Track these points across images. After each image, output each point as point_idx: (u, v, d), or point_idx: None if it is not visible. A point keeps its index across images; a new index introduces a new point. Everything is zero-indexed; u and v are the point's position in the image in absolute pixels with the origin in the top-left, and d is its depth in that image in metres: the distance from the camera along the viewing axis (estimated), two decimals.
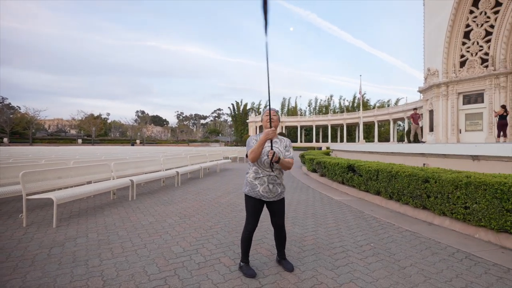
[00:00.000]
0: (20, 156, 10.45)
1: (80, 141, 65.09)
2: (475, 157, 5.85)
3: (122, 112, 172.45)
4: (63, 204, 5.63)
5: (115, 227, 4.18)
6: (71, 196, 4.43)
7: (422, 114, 21.56)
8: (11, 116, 62.75)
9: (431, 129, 22.75)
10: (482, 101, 19.30)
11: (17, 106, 71.73)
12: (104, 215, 4.87)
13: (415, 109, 15.55)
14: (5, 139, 56.29)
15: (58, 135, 73.77)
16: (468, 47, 19.80)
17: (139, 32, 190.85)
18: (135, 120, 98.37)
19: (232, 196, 6.68)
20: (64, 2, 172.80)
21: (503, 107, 13.61)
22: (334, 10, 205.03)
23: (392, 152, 8.57)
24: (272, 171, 2.65)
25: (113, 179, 6.47)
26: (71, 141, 65.81)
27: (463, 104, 20.45)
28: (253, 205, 2.71)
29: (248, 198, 2.75)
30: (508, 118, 13.70)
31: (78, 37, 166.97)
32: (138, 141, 73.27)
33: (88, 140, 67.97)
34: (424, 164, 7.07)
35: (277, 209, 2.77)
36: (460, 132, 20.51)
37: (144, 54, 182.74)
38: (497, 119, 13.63)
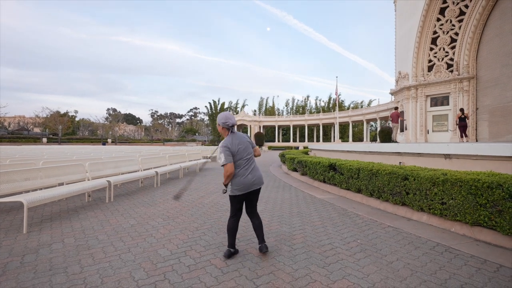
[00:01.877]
0: None
1: (45, 140, 60.88)
2: (447, 156, 6.22)
3: (92, 110, 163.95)
4: (33, 208, 5.22)
5: (94, 231, 3.94)
6: (44, 198, 4.10)
7: (403, 111, 22.25)
8: None
9: (402, 130, 23.92)
10: (448, 104, 20.67)
11: None
12: (80, 219, 4.57)
13: (396, 108, 15.98)
14: None
15: (20, 134, 68.44)
16: (436, 53, 21.10)
17: (113, 27, 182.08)
18: (106, 118, 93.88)
19: (215, 196, 6.57)
20: None
21: (461, 110, 14.72)
22: (309, 13, 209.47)
23: (370, 151, 8.89)
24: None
25: (88, 180, 6.10)
26: (34, 140, 61.32)
27: (431, 106, 21.78)
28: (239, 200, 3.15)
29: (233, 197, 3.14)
30: (467, 120, 14.79)
31: (45, 30, 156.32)
32: (109, 140, 70.04)
33: (54, 139, 63.77)
34: (400, 162, 7.41)
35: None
36: (428, 133, 21.81)
37: (118, 50, 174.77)
38: (458, 121, 14.66)
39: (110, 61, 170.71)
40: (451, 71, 20.13)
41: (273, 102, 66.80)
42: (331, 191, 7.28)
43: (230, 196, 3.07)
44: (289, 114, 63.92)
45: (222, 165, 2.90)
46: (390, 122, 15.28)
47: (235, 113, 60.87)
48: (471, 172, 4.17)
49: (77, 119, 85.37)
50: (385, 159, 8.01)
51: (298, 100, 67.18)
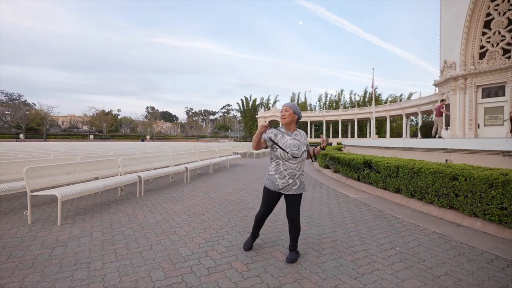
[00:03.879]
0: (31, 151, 10.48)
1: (91, 136, 66.21)
2: (506, 153, 5.39)
3: (132, 108, 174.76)
4: (70, 200, 5.50)
5: (121, 226, 3.99)
6: (76, 192, 4.25)
7: (449, 104, 20.09)
8: (26, 112, 64.26)
9: (447, 124, 21.87)
10: (503, 94, 18.37)
11: (32, 103, 73.34)
12: (110, 213, 4.69)
13: (441, 100, 14.36)
14: (21, 135, 57.77)
15: (71, 131, 75.27)
16: (489, 37, 18.83)
17: (151, 29, 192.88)
18: (145, 116, 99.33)
19: (243, 193, 6.43)
20: (79, 1, 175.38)
21: None
22: (343, 4, 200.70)
23: (410, 148, 8.12)
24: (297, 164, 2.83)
25: (121, 175, 6.31)
26: (83, 137, 67.02)
27: (482, 97, 19.54)
28: (269, 197, 2.88)
29: (266, 190, 2.90)
30: None
31: (92, 35, 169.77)
32: (148, 136, 74.04)
33: (99, 136, 69.11)
34: (446, 160, 6.63)
35: (294, 202, 2.85)
36: (479, 127, 19.65)
37: (155, 51, 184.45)
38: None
39: (148, 62, 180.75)
40: (508, 58, 17.83)
41: (305, 97, 65.39)
42: (366, 190, 6.76)
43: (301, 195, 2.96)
44: (321, 109, 62.12)
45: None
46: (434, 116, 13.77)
47: (266, 109, 60.66)
48: None
49: (119, 117, 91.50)
50: (428, 156, 7.24)
51: (331, 95, 64.79)
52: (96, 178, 6.11)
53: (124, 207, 5.10)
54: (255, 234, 3.20)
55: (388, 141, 11.15)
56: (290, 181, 2.75)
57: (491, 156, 5.66)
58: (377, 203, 5.57)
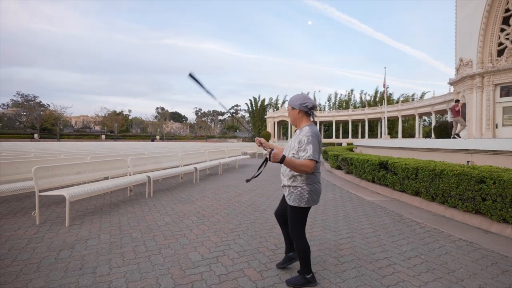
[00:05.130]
0: (43, 151, 10.59)
1: (103, 137, 67.36)
2: None
3: (143, 109, 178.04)
4: (79, 200, 5.44)
5: (129, 228, 3.87)
6: (85, 193, 4.16)
7: (465, 103, 19.27)
8: (41, 113, 65.91)
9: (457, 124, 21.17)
10: None
11: (47, 104, 75.20)
12: (119, 214, 4.59)
13: (457, 100, 13.63)
14: (36, 135, 59.25)
15: (84, 131, 76.86)
16: (508, 34, 18.13)
17: (160, 31, 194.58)
18: (155, 117, 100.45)
19: (253, 195, 6.26)
20: (90, 3, 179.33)
21: None
22: (352, 3, 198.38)
23: (427, 148, 7.78)
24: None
25: (130, 175, 6.23)
26: (95, 137, 68.27)
27: (501, 96, 18.82)
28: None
29: None
30: None
31: (104, 38, 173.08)
32: (158, 137, 74.83)
33: (111, 136, 70.27)
34: (468, 161, 6.28)
35: (287, 210, 2.45)
36: (497, 127, 18.93)
37: (165, 52, 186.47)
38: None
39: (159, 63, 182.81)
40: None
41: (314, 97, 64.70)
42: (381, 192, 6.48)
43: (301, 208, 2.31)
44: (331, 109, 61.43)
45: (309, 159, 2.12)
46: (451, 116, 13.11)
47: (275, 109, 60.39)
48: None
49: (130, 117, 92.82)
50: (448, 157, 6.89)
51: (341, 95, 63.89)
52: (106, 178, 6.05)
53: (133, 208, 5.01)
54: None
55: (403, 142, 10.78)
56: (282, 183, 2.44)
57: None
58: (394, 206, 5.30)
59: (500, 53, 18.54)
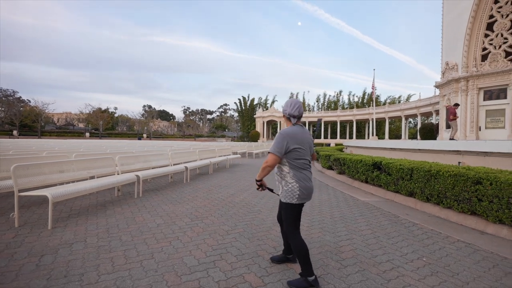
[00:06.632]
0: (23, 148, 10.05)
1: (87, 134, 65.35)
2: None
3: (129, 106, 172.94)
4: (63, 201, 5.13)
5: (118, 230, 3.64)
6: (69, 193, 3.90)
7: (449, 106, 19.60)
8: (21, 109, 63.23)
9: (448, 126, 21.76)
10: (505, 97, 18.26)
11: (27, 99, 72.23)
12: (106, 215, 4.34)
13: (456, 104, 13.52)
14: (15, 132, 56.79)
15: (67, 129, 74.25)
16: (491, 39, 18.71)
17: (148, 28, 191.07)
18: (142, 115, 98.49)
19: (247, 195, 6.10)
20: None
21: None
22: (341, 6, 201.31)
23: (419, 149, 7.86)
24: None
25: (118, 174, 5.96)
26: (79, 134, 66.12)
27: (484, 100, 19.42)
28: None
29: None
30: None
31: (90, 33, 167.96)
32: (145, 135, 73.34)
33: (95, 133, 68.27)
34: (459, 162, 6.37)
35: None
36: (480, 130, 19.54)
37: (153, 49, 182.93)
38: None
39: (146, 60, 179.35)
40: (511, 60, 17.72)
41: (303, 97, 65.14)
42: (375, 193, 6.47)
43: (289, 204, 2.37)
44: (320, 109, 61.95)
45: (269, 152, 2.33)
46: (449, 118, 12.91)
47: (264, 109, 60.34)
48: None
49: (116, 115, 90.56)
50: (439, 158, 6.97)
51: (329, 96, 64.44)
52: (92, 177, 5.75)
53: (121, 208, 4.75)
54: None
55: (394, 142, 10.90)
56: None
57: (508, 159, 5.40)
58: (389, 207, 5.28)
59: (484, 58, 19.13)
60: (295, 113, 2.45)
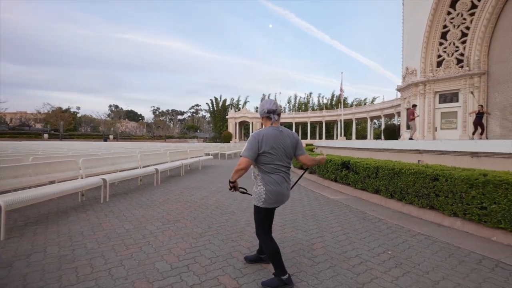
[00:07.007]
0: None
1: (46, 136, 60.55)
2: (474, 154, 5.67)
3: (94, 106, 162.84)
4: (19, 209, 4.70)
5: (83, 238, 3.43)
6: (25, 200, 3.58)
7: (409, 108, 21.03)
8: None
9: (408, 127, 23.31)
10: (457, 101, 20.00)
11: None
12: (69, 222, 4.06)
13: (414, 105, 14.65)
14: None
15: (21, 129, 68.14)
16: (445, 48, 20.38)
17: (116, 24, 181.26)
18: (108, 115, 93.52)
19: (220, 196, 6.05)
20: None
21: (481, 106, 14.04)
22: (310, 11, 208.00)
23: (384, 149, 8.34)
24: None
25: (82, 178, 5.60)
26: (36, 135, 61.00)
27: (439, 102, 21.10)
28: None
29: None
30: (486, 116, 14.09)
31: (49, 27, 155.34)
32: (111, 136, 69.67)
33: (55, 135, 63.49)
34: (418, 161, 6.85)
35: None
36: (436, 130, 21.19)
37: (121, 47, 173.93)
38: (474, 117, 13.95)
39: (113, 58, 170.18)
40: (461, 67, 19.45)
41: (275, 99, 66.08)
42: (344, 191, 6.75)
43: (257, 207, 2.42)
44: (291, 111, 63.23)
45: (240, 156, 2.33)
46: (408, 120, 13.90)
47: (237, 110, 60.25)
48: None
49: (79, 115, 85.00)
50: (402, 157, 7.45)
51: (300, 97, 66.35)
52: (52, 182, 5.34)
53: (86, 214, 4.48)
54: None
55: (361, 143, 11.44)
56: None
57: (461, 157, 5.92)
58: (357, 204, 5.53)
59: (439, 64, 20.78)
60: (273, 107, 2.45)
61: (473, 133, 14.51)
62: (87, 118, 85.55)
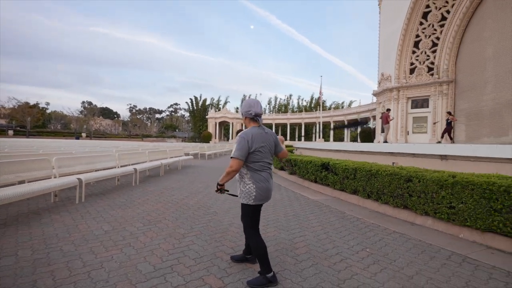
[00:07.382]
0: None
1: (11, 132, 56.65)
2: (443, 157, 6.06)
3: (66, 102, 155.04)
4: None
5: (58, 240, 3.27)
6: None
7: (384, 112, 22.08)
8: None
9: (383, 130, 24.33)
10: (427, 106, 21.20)
11: None
12: (41, 224, 3.86)
13: (388, 109, 15.41)
14: None
15: None
16: (417, 56, 21.54)
17: (91, 18, 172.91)
18: (81, 112, 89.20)
19: (202, 196, 6.01)
20: None
21: (449, 113, 15.04)
22: (291, 13, 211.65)
23: (361, 151, 8.69)
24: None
25: (55, 177, 5.33)
26: None
27: (411, 108, 22.24)
28: None
29: None
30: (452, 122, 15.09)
31: (16, 16, 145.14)
32: (84, 134, 66.52)
33: (22, 131, 59.54)
34: (393, 163, 7.21)
35: None
36: (408, 134, 22.32)
37: (96, 42, 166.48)
38: (446, 123, 14.90)
39: (86, 52, 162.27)
40: (432, 75, 20.64)
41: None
42: (323, 191, 6.94)
43: (246, 205, 2.47)
44: (271, 112, 63.76)
45: (231, 157, 2.34)
46: (383, 123, 14.56)
47: (217, 110, 59.80)
48: (482, 174, 3.92)
49: (48, 111, 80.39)
50: (377, 159, 7.80)
51: (280, 99, 66.82)
52: (21, 182, 5.03)
53: (60, 216, 4.27)
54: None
55: (340, 144, 11.81)
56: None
57: (431, 160, 6.31)
58: (336, 204, 5.72)
59: (412, 71, 21.91)
60: (261, 111, 2.53)
61: (441, 137, 15.46)
62: (58, 115, 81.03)
